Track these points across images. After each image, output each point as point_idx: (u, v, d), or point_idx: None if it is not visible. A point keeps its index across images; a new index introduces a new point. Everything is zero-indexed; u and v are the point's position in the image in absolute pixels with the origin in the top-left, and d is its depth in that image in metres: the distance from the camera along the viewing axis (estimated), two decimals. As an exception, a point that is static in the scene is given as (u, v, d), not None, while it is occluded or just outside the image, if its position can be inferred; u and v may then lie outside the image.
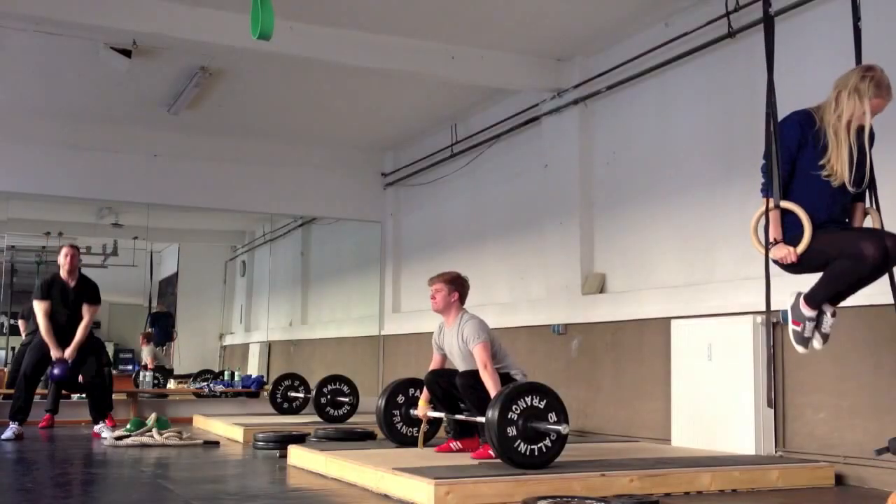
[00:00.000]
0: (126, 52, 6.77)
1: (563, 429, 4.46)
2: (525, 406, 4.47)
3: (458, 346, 5.17)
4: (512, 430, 4.41)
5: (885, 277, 4.48)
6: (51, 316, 7.13)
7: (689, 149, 6.17)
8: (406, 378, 5.86)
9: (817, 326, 3.74)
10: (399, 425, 5.67)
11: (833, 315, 3.77)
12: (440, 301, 5.25)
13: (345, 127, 9.39)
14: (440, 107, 8.58)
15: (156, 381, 10.21)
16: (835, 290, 3.71)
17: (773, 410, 5.13)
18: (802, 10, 5.22)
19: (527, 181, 7.88)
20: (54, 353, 7.06)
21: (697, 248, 6.04)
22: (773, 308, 4.93)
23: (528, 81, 7.27)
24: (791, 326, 3.79)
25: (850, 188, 3.70)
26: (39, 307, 7.12)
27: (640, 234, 6.58)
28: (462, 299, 5.29)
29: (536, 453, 4.44)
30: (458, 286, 5.28)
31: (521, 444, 4.42)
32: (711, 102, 6.00)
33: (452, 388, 5.12)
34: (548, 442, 4.47)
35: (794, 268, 3.78)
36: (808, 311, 3.74)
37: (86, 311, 7.21)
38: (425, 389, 5.40)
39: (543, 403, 4.53)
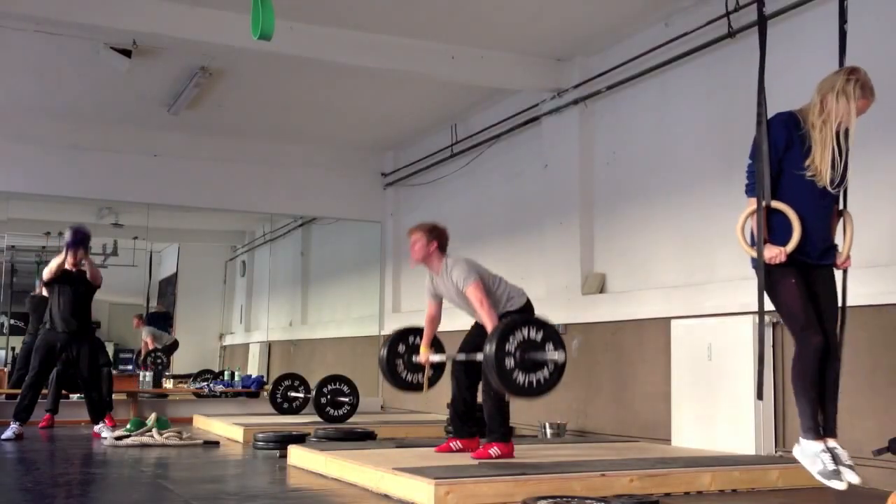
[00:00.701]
0: (126, 52, 6.77)
1: (559, 357, 4.58)
2: (522, 339, 4.55)
3: (453, 292, 5.16)
4: (510, 362, 4.49)
5: (889, 275, 4.50)
6: (52, 302, 7.25)
7: (689, 149, 6.17)
8: (405, 327, 5.84)
9: (835, 459, 3.60)
10: (403, 373, 5.66)
11: (839, 445, 3.67)
12: (419, 251, 5.20)
13: (345, 127, 9.39)
14: (440, 107, 8.58)
15: (159, 360, 10.21)
16: (808, 405, 3.66)
17: (773, 410, 5.14)
18: (801, 10, 5.22)
19: (527, 181, 7.88)
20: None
21: (697, 248, 6.04)
22: (771, 308, 4.95)
23: (528, 81, 7.27)
24: (811, 470, 3.67)
25: (829, 188, 3.72)
26: (53, 260, 7.29)
27: (640, 234, 6.58)
28: (442, 248, 5.24)
29: (535, 384, 4.55)
30: (435, 235, 5.23)
31: (520, 375, 4.52)
32: (711, 102, 6.00)
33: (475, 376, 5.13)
34: (546, 373, 4.56)
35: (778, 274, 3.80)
36: (811, 446, 3.66)
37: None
38: (425, 335, 5.46)
39: (540, 336, 4.61)
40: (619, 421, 6.44)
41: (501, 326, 4.62)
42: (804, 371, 3.67)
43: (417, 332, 5.65)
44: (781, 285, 3.73)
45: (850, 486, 3.59)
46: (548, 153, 7.42)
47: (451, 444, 5.19)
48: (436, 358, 5.46)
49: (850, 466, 3.59)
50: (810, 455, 3.66)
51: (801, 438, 3.71)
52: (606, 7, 6.23)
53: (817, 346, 3.65)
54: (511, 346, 4.52)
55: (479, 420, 5.18)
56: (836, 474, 3.57)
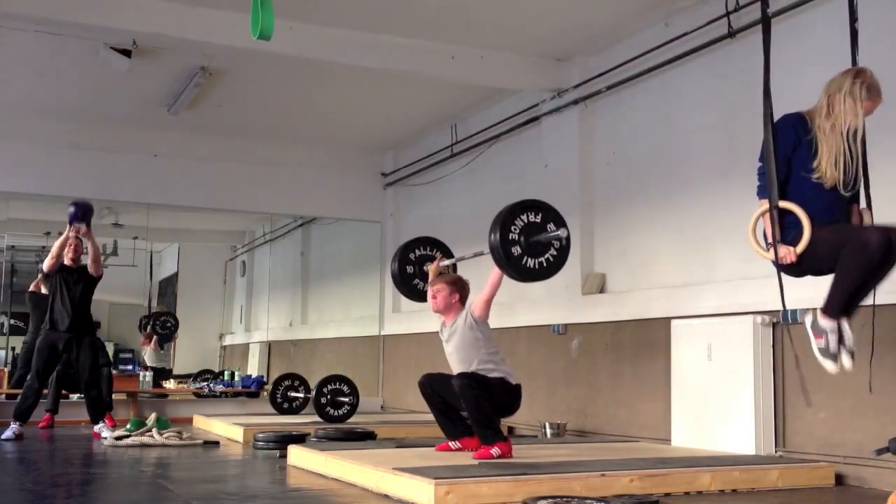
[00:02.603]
0: (126, 52, 6.77)
1: (562, 233, 4.73)
2: (523, 224, 4.68)
3: (460, 329, 5.16)
4: (517, 250, 4.62)
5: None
6: (52, 300, 7.26)
7: (689, 149, 6.17)
8: (408, 241, 6.08)
9: (840, 340, 3.65)
10: (419, 285, 5.83)
11: (850, 327, 3.69)
12: (441, 301, 5.28)
13: (345, 127, 9.39)
14: (440, 107, 8.58)
15: (168, 324, 10.72)
16: (847, 290, 3.64)
17: (773, 410, 5.15)
18: (802, 10, 5.22)
19: (527, 181, 7.87)
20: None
21: (697, 248, 6.04)
22: (773, 308, 4.95)
23: (528, 81, 7.27)
24: (814, 342, 3.71)
25: (841, 191, 3.71)
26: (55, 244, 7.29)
27: (640, 234, 6.58)
28: (462, 301, 5.32)
29: (545, 264, 4.72)
30: (458, 288, 5.31)
31: (529, 260, 4.67)
32: (711, 102, 6.00)
33: (447, 392, 5.10)
34: (553, 252, 4.72)
35: (796, 269, 3.77)
36: (827, 322, 3.67)
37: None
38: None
39: (539, 217, 4.74)
40: (619, 421, 6.43)
41: (501, 214, 4.72)
42: (864, 264, 3.56)
43: (421, 243, 5.93)
44: (824, 230, 3.65)
45: (842, 369, 3.65)
46: (548, 153, 7.42)
47: (450, 444, 5.20)
48: (446, 262, 5.73)
49: (850, 352, 3.64)
50: (820, 329, 3.68)
51: (819, 310, 3.70)
52: (606, 7, 6.23)
53: (880, 243, 3.52)
54: (514, 234, 4.63)
55: (464, 418, 5.18)
56: (835, 357, 3.65)
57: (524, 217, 4.73)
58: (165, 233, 11.85)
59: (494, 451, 4.79)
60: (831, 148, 3.67)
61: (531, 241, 4.71)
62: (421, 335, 9.12)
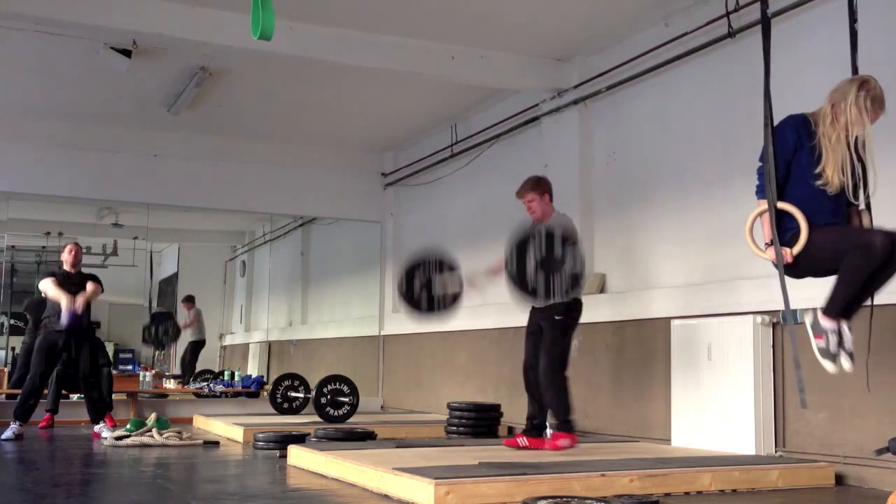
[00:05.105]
0: (126, 52, 6.77)
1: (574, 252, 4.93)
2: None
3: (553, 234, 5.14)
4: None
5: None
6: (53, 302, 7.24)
7: (689, 148, 6.17)
8: (405, 268, 5.72)
9: (840, 343, 3.65)
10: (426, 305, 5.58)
11: (849, 330, 3.70)
12: (539, 209, 5.31)
13: (345, 127, 9.39)
14: (440, 107, 8.58)
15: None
16: (849, 292, 3.64)
17: (773, 410, 5.15)
18: (802, 10, 5.22)
19: (527, 181, 7.87)
20: (66, 302, 7.08)
21: (697, 248, 6.04)
22: (773, 308, 4.96)
23: (528, 81, 7.27)
24: (814, 342, 3.71)
25: (850, 198, 3.71)
26: (48, 281, 7.23)
27: (640, 234, 6.58)
28: (551, 197, 5.36)
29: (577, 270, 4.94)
30: (544, 187, 5.38)
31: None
32: (711, 102, 6.00)
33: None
34: (570, 262, 4.93)
35: (794, 270, 3.77)
36: (827, 323, 3.67)
37: (90, 284, 7.30)
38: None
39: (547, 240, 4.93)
40: (619, 421, 6.43)
41: (513, 243, 4.75)
42: (868, 266, 3.57)
43: (423, 264, 5.56)
44: (825, 233, 3.66)
45: (842, 370, 3.65)
46: (548, 153, 7.42)
47: (517, 440, 5.24)
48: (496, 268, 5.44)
49: (850, 353, 3.64)
50: (820, 329, 3.68)
51: (819, 310, 3.69)
52: (606, 7, 6.23)
53: (884, 245, 3.52)
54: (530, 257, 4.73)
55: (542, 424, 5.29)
56: (833, 357, 3.65)
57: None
58: (165, 233, 11.86)
59: (562, 442, 4.85)
60: (837, 156, 3.67)
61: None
62: (421, 335, 9.12)
